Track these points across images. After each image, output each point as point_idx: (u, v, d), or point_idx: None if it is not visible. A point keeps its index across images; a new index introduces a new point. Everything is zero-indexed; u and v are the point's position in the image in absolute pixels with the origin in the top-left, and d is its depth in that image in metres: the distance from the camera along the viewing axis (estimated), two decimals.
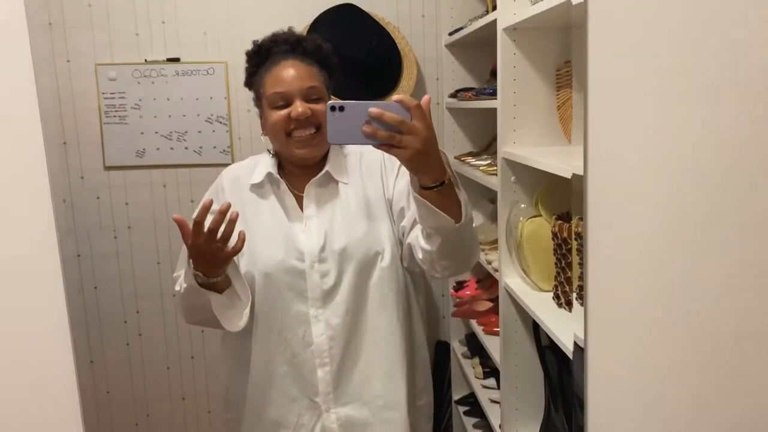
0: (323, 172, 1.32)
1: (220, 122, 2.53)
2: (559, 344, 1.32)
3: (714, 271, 0.58)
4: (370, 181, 1.34)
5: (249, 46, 1.38)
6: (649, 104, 0.56)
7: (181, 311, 1.32)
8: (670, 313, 0.59)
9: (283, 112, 1.27)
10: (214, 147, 2.54)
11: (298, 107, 1.26)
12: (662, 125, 0.57)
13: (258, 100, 1.36)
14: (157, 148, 2.54)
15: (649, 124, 0.57)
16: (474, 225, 1.21)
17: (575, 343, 0.64)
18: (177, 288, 1.31)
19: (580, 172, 0.59)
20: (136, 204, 2.57)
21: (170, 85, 2.51)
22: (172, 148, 2.54)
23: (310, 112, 1.26)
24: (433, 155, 1.04)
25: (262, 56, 1.35)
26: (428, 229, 1.16)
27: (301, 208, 1.32)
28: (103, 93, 2.49)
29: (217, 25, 2.48)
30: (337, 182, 1.33)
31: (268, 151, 1.39)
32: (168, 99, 2.52)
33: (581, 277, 0.64)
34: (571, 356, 1.27)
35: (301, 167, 1.34)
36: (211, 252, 1.13)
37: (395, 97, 1.00)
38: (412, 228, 1.28)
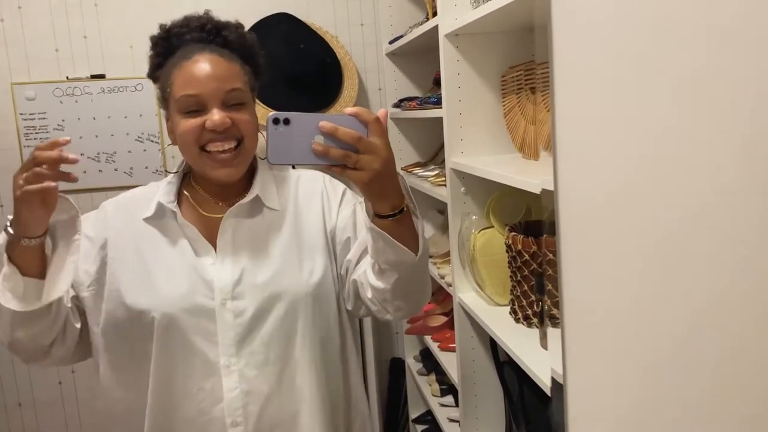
0: (250, 198, 1.10)
1: (152, 140, 2.39)
2: (518, 362, 1.26)
3: (697, 287, 0.54)
4: (307, 209, 1.15)
5: None
6: (620, 106, 0.51)
7: None
8: (652, 337, 0.54)
9: (196, 120, 1.02)
10: (146, 167, 2.40)
11: (215, 116, 1.01)
12: (636, 129, 0.52)
13: (164, 100, 1.09)
14: (84, 171, 2.37)
15: (623, 129, 0.52)
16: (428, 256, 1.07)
17: (553, 379, 0.58)
18: None
19: (549, 187, 0.53)
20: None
21: (96, 104, 2.35)
22: (100, 170, 2.38)
23: (230, 122, 1.02)
24: (392, 178, 0.91)
25: (171, 44, 1.10)
26: (383, 264, 1.00)
27: (212, 238, 1.09)
28: (21, 114, 2.32)
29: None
30: (264, 208, 1.12)
31: (168, 172, 1.17)
32: (94, 118, 2.36)
33: (554, 303, 0.57)
34: (529, 373, 1.21)
35: (219, 186, 1.12)
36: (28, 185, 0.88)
37: (349, 109, 0.85)
38: (358, 262, 1.11)
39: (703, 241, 0.53)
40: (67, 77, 2.33)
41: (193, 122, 1.03)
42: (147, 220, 1.10)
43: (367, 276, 1.06)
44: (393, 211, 0.94)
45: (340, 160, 0.85)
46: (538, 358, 1.22)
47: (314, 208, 1.15)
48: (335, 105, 2.29)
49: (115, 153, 2.38)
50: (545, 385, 1.12)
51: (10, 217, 0.94)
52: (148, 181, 1.22)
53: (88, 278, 1.09)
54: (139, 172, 2.39)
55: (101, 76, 2.35)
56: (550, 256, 0.56)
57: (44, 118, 2.33)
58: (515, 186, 1.21)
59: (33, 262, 0.98)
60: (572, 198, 0.53)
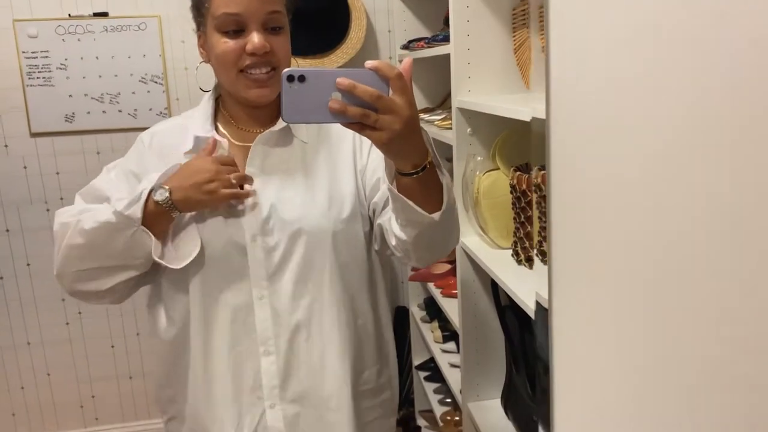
0: (280, 126, 1.09)
1: (156, 82, 2.35)
2: (519, 303, 1.24)
3: (691, 220, 0.51)
4: (338, 143, 1.13)
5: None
6: (619, 36, 0.47)
7: (68, 251, 1.05)
8: (639, 268, 0.51)
9: (236, 43, 1.02)
10: (150, 109, 2.36)
11: (255, 39, 1.01)
12: (635, 60, 0.48)
13: (199, 15, 1.07)
14: (88, 112, 2.34)
15: (621, 59, 0.48)
16: (456, 205, 1.05)
17: (537, 303, 0.55)
18: (68, 220, 1.06)
19: (541, 116, 0.49)
20: (68, 173, 2.38)
21: (99, 43, 2.30)
22: (104, 112, 2.35)
23: (269, 47, 1.02)
24: (414, 137, 0.85)
25: None
26: (403, 222, 0.98)
27: (241, 168, 1.09)
28: (23, 52, 2.28)
29: None
30: (294, 139, 1.11)
31: (201, 89, 1.17)
32: (97, 58, 2.31)
33: (542, 232, 0.55)
34: (533, 315, 1.18)
35: (251, 108, 1.11)
36: (214, 178, 1.02)
37: (369, 63, 0.80)
38: (385, 207, 1.09)
39: (698, 172, 0.49)
40: (69, 15, 2.27)
41: (233, 44, 1.02)
42: (187, 154, 1.10)
43: (391, 224, 1.04)
44: (414, 169, 0.90)
45: (359, 119, 0.80)
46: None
47: (345, 147, 1.13)
48: (341, 47, 2.23)
49: (119, 94, 2.34)
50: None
51: (165, 190, 1.02)
52: (151, 124, 1.22)
53: None
54: (143, 114, 2.36)
55: (104, 14, 2.29)
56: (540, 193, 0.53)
57: (47, 57, 2.29)
58: (517, 118, 1.16)
59: (164, 228, 1.05)
60: (563, 128, 0.49)
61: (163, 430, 1.23)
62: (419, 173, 0.90)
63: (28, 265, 2.42)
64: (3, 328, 2.45)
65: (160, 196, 1.01)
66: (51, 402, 2.53)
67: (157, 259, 1.03)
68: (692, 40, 0.48)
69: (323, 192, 1.09)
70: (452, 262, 2.05)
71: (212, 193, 1.02)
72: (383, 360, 1.24)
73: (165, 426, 1.22)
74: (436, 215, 0.94)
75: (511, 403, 1.57)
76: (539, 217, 1.33)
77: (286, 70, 0.79)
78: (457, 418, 1.98)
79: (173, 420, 1.19)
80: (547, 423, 0.55)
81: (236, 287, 1.08)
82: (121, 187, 1.11)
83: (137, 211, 1.00)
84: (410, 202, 0.93)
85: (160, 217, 1.03)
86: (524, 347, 1.48)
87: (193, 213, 1.07)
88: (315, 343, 1.11)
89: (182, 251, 1.06)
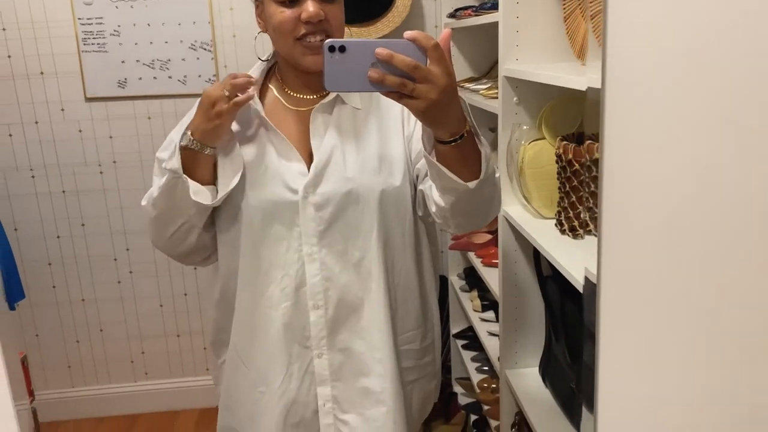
0: (333, 95, 1.13)
1: (205, 49, 2.39)
2: (562, 272, 1.25)
3: (746, 200, 0.50)
4: (387, 110, 1.16)
5: None
6: (677, 7, 0.47)
7: (152, 223, 1.15)
8: (692, 243, 0.51)
9: (292, 12, 1.06)
10: (199, 76, 2.41)
11: (310, 7, 1.04)
12: (693, 32, 0.47)
13: None
14: (140, 78, 2.41)
15: (678, 30, 0.47)
16: (497, 175, 1.08)
17: (586, 278, 0.56)
18: (145, 202, 1.16)
19: (596, 85, 0.49)
20: (120, 137, 2.46)
21: (150, 10, 2.35)
22: (155, 78, 2.41)
23: (323, 15, 1.05)
24: (452, 106, 0.88)
25: None
26: (440, 189, 1.02)
27: (295, 132, 1.14)
28: (79, 19, 2.34)
29: None
30: (345, 105, 1.15)
31: (259, 58, 1.20)
32: (148, 25, 2.37)
33: (587, 202, 0.55)
34: (574, 284, 1.19)
35: (306, 75, 1.14)
36: (219, 101, 1.05)
37: (408, 33, 0.83)
38: (426, 174, 1.11)
39: (758, 147, 0.49)
40: None
41: (289, 13, 1.06)
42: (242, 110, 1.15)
43: (431, 191, 1.08)
44: (452, 137, 0.92)
45: (397, 88, 0.84)
46: (582, 269, 1.20)
47: (394, 114, 1.17)
48: (387, 15, 2.23)
49: (169, 60, 2.40)
50: None
51: (188, 133, 1.07)
52: (200, 90, 1.26)
53: None
54: (193, 80, 2.41)
55: None
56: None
57: (101, 23, 2.35)
58: (557, 84, 1.15)
59: (207, 171, 1.11)
60: (619, 98, 0.50)
61: (218, 370, 1.31)
62: (457, 141, 0.93)
63: (83, 225, 2.53)
64: (60, 284, 2.57)
65: (185, 140, 1.07)
66: (104, 356, 2.65)
67: (193, 197, 1.08)
68: (755, 12, 0.47)
69: (374, 154, 1.13)
70: (493, 232, 2.06)
71: (219, 116, 1.05)
72: (427, 324, 1.28)
73: (219, 367, 1.30)
74: (473, 183, 0.97)
75: (549, 371, 1.59)
76: (584, 187, 1.33)
77: (327, 41, 0.83)
78: (494, 385, 2.01)
79: (224, 364, 1.28)
80: (591, 398, 0.56)
81: (287, 243, 1.13)
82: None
83: (175, 163, 1.06)
84: (445, 170, 0.95)
85: (196, 160, 1.09)
86: (564, 317, 1.49)
87: (249, 164, 1.12)
88: (362, 300, 1.16)
89: (221, 186, 1.12)
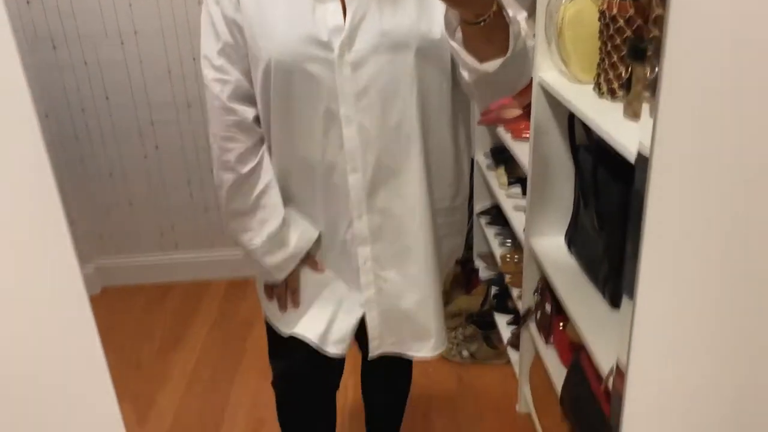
0: None
1: None
2: (600, 133, 1.22)
3: None
4: None
5: None
6: None
7: (227, 218, 1.26)
8: (751, 120, 0.48)
9: None
10: None
11: None
12: None
13: None
14: None
15: None
16: (529, 45, 1.05)
17: (639, 153, 0.54)
18: (223, 193, 1.23)
19: None
20: (141, 5, 2.39)
21: None
22: None
23: None
24: None
25: None
26: (463, 66, 1.02)
27: None
28: None
29: None
30: None
31: None
32: None
33: (619, 65, 0.51)
34: (616, 147, 1.17)
35: None
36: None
37: None
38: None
39: None
40: None
41: None
42: None
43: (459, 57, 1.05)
44: (477, 19, 0.90)
45: None
46: (621, 131, 1.18)
47: None
48: None
49: None
50: (630, 154, 1.08)
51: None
52: None
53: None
54: None
55: None
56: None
57: None
58: None
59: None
60: None
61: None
62: (483, 23, 0.91)
63: (107, 98, 2.52)
64: (87, 158, 2.60)
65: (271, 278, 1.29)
66: (134, 228, 2.73)
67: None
68: None
69: (413, 8, 1.08)
70: (525, 107, 2.02)
71: (280, 297, 1.30)
72: (460, 185, 1.30)
73: None
74: (495, 64, 0.97)
75: (575, 238, 1.61)
76: (616, 47, 1.28)
77: None
78: (516, 257, 2.05)
79: None
80: (632, 281, 0.55)
81: (325, 103, 1.10)
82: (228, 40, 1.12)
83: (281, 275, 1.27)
84: (463, 56, 0.96)
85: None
86: (596, 185, 1.48)
87: (273, 21, 1.08)
88: (399, 164, 1.16)
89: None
